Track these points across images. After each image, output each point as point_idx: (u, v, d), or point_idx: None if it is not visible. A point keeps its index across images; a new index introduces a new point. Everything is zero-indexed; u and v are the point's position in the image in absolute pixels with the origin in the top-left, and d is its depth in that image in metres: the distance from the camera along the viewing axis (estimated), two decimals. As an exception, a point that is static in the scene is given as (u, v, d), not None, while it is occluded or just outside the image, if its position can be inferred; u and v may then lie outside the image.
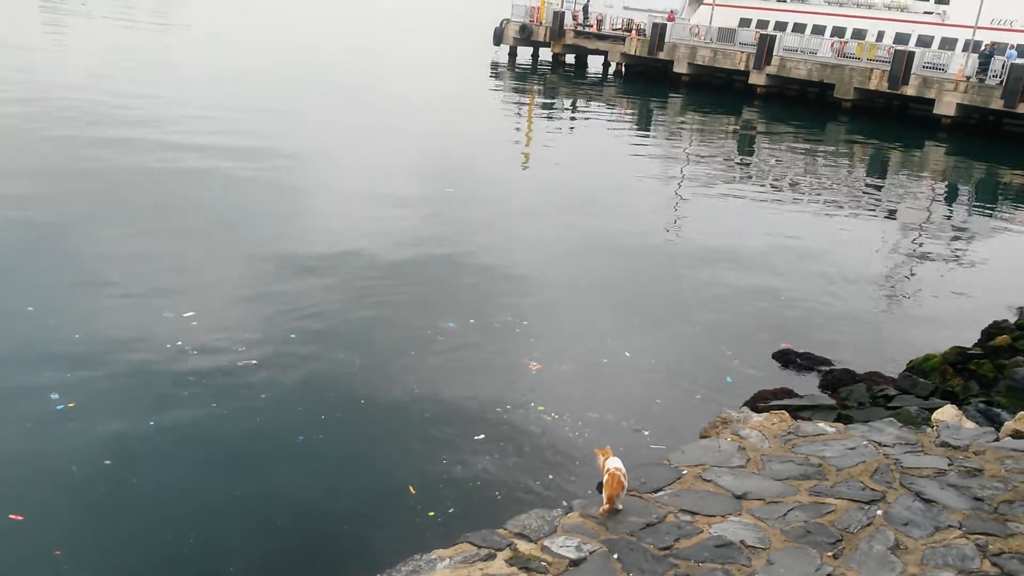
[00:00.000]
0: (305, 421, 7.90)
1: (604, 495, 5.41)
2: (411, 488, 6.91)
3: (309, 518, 6.51)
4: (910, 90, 38.51)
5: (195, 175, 16.75)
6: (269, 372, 8.81)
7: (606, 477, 5.40)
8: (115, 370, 8.47)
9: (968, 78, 37.42)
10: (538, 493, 7.00)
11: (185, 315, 9.90)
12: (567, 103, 39.45)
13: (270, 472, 7.08)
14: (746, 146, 31.13)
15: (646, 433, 8.20)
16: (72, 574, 5.70)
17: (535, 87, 45.06)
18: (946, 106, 37.10)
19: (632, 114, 38.37)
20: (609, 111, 38.01)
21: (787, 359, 10.33)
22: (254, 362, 8.94)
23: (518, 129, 29.72)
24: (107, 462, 6.96)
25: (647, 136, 31.29)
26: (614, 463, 5.44)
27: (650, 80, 49.29)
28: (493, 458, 7.51)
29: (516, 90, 43.08)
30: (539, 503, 6.49)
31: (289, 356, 9.25)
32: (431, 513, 6.57)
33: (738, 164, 26.76)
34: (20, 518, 6.14)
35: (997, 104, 35.53)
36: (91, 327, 9.39)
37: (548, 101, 39.53)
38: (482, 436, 7.86)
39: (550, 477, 7.26)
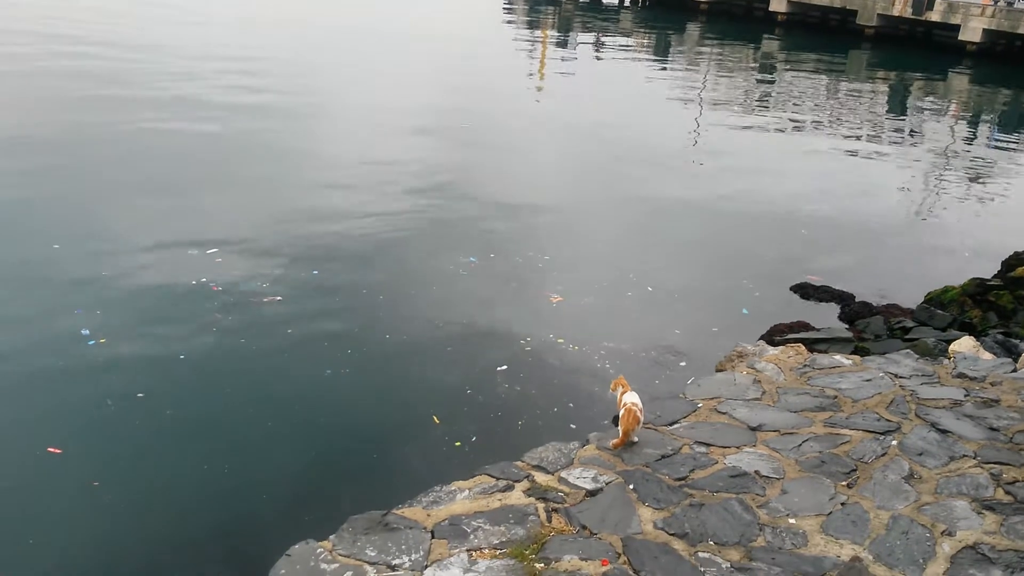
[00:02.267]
0: (331, 355, 7.88)
1: (620, 429, 5.39)
2: (435, 418, 6.93)
3: (338, 449, 6.55)
4: (935, 16, 37.04)
5: (215, 119, 16.49)
6: (294, 307, 8.79)
7: (622, 412, 5.38)
8: (143, 307, 8.47)
9: (995, 2, 35.84)
10: (558, 423, 6.98)
11: (209, 252, 9.87)
12: (582, 34, 38.33)
13: (299, 405, 7.09)
14: (766, 76, 30.23)
15: (663, 366, 8.15)
16: (111, 504, 5.77)
17: (549, 18, 43.73)
18: (972, 32, 35.67)
19: (649, 44, 37.26)
20: (626, 41, 36.95)
21: (805, 292, 10.17)
22: (279, 298, 8.93)
23: (532, 61, 28.98)
24: (140, 395, 7.01)
25: (665, 66, 30.42)
26: (631, 398, 5.41)
27: (668, 9, 47.77)
28: (515, 389, 7.49)
29: (530, 22, 41.82)
30: (559, 433, 6.49)
31: (313, 292, 9.22)
32: (457, 443, 6.59)
33: (758, 94, 26.04)
34: (59, 451, 6.22)
35: (1025, 29, 34.11)
36: (117, 265, 9.37)
37: (563, 32, 38.42)
38: (504, 367, 7.83)
39: (571, 406, 7.25)
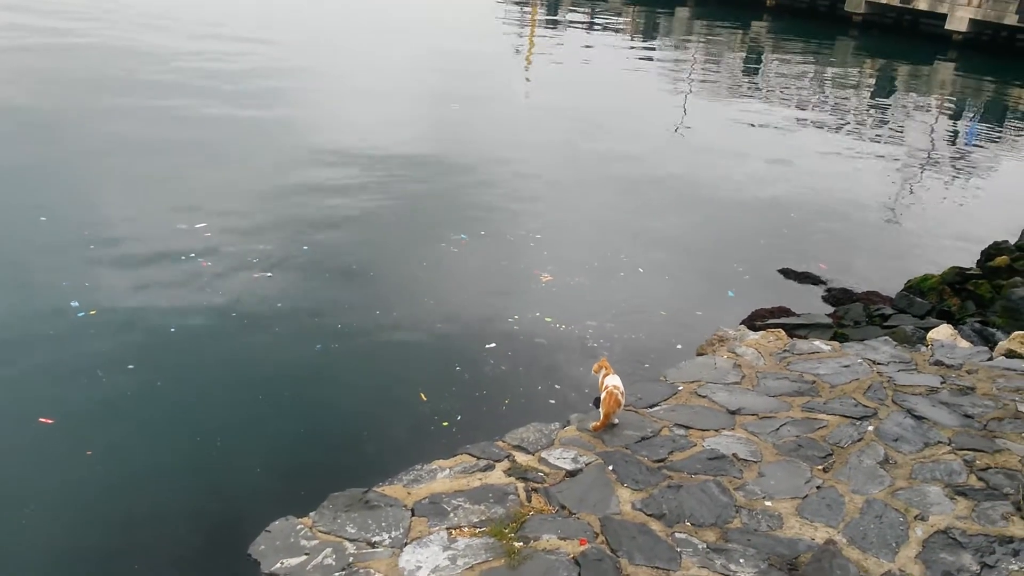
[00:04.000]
0: (321, 330, 7.78)
1: (601, 411, 5.33)
2: (422, 395, 6.84)
3: (324, 425, 6.46)
4: (922, 4, 36.76)
5: (205, 96, 16.12)
6: (284, 283, 8.66)
7: (604, 394, 5.32)
8: (131, 279, 8.32)
9: (982, -8, 35.57)
10: (544, 402, 6.92)
11: (197, 227, 9.70)
12: (571, 15, 37.72)
13: (287, 380, 6.99)
14: (754, 61, 29.92)
15: (646, 348, 8.07)
16: (105, 473, 5.70)
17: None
18: (958, 21, 35.42)
19: (638, 27, 36.76)
20: (614, 24, 36.46)
21: (788, 277, 10.11)
22: (268, 274, 8.79)
23: (521, 42, 28.46)
24: (131, 367, 6.90)
25: (654, 50, 30.05)
26: (612, 380, 5.34)
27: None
28: (501, 368, 7.41)
29: (518, 2, 41.02)
30: (545, 412, 6.43)
31: (303, 267, 9.08)
32: (445, 423, 6.51)
33: (746, 80, 25.80)
34: (51, 421, 6.12)
35: (1011, 19, 33.92)
36: (104, 237, 9.20)
37: (551, 13, 37.77)
38: (493, 345, 7.74)
39: (557, 387, 7.18)
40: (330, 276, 8.95)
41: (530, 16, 34.99)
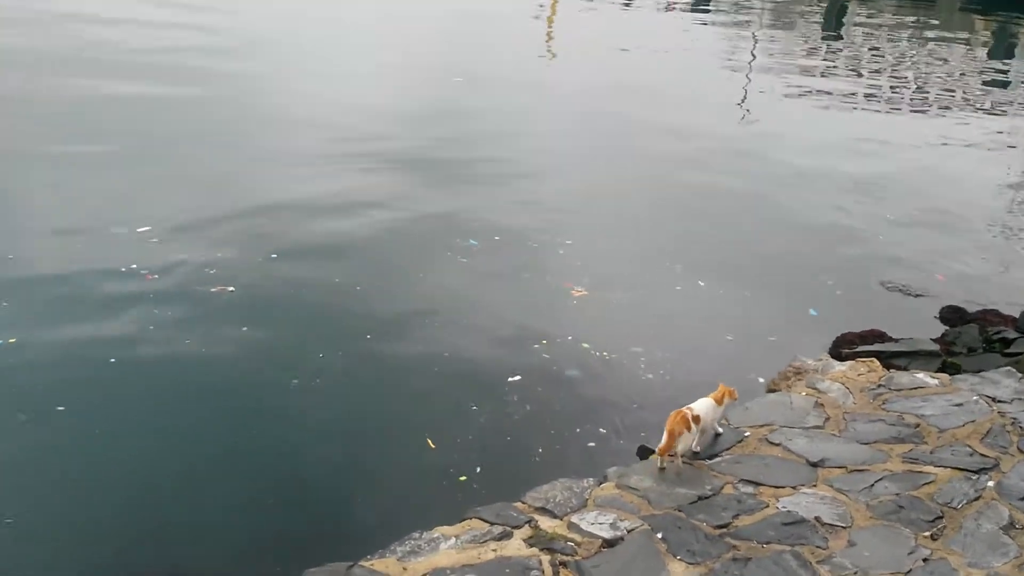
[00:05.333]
0: (299, 360, 7.75)
1: (664, 431, 5.49)
2: (430, 441, 6.78)
3: (303, 481, 6.38)
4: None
5: (158, 80, 16.25)
6: (250, 300, 8.69)
7: (672, 412, 5.52)
8: (60, 298, 8.35)
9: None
10: (582, 449, 6.84)
11: (140, 231, 9.76)
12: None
13: (257, 424, 6.95)
14: (832, 24, 29.88)
15: (710, 381, 7.96)
16: (24, 547, 5.60)
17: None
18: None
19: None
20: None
21: (886, 293, 10.14)
22: (231, 288, 8.83)
23: (543, 7, 28.59)
24: (60, 408, 6.90)
25: (707, 17, 30.09)
26: (698, 403, 5.71)
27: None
28: (528, 407, 7.33)
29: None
30: (583, 464, 6.37)
31: (274, 280, 9.12)
32: (462, 478, 6.41)
33: (823, 48, 25.80)
34: (-38, 478, 6.13)
35: None
36: (27, 247, 9.24)
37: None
38: (517, 378, 7.70)
39: (602, 431, 7.10)
40: (308, 291, 8.97)
41: None
